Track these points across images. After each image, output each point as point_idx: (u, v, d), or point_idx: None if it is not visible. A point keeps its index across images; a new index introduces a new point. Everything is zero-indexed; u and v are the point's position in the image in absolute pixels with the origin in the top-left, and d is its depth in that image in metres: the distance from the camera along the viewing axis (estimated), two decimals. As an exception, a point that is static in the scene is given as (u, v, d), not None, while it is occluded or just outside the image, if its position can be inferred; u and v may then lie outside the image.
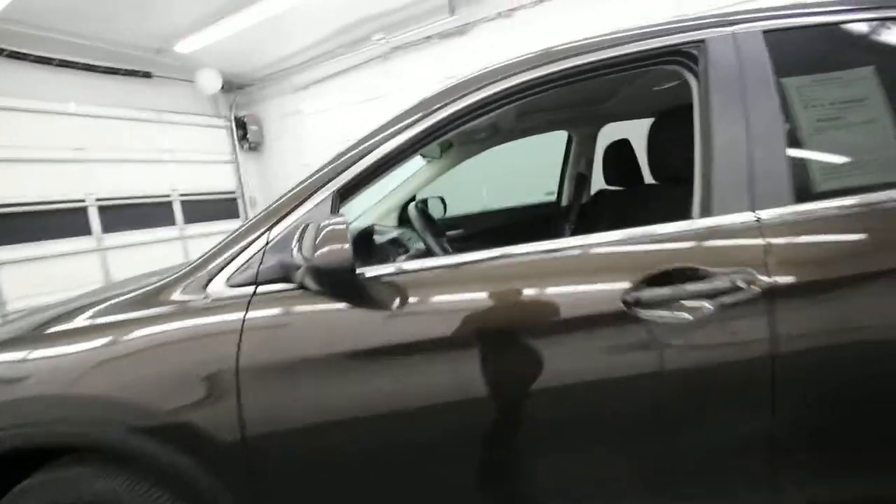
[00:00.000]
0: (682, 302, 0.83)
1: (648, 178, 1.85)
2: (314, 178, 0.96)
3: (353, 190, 0.97)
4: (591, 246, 0.89)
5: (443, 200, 2.48)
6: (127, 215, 4.49)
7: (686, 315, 0.82)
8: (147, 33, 4.16)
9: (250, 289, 0.90)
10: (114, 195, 4.39)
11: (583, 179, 2.27)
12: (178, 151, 4.99)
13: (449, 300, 0.88)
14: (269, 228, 0.93)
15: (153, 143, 4.78)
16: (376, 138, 0.97)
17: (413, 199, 2.33)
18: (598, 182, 2.26)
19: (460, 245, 2.33)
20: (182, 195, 4.98)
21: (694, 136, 0.96)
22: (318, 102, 5.31)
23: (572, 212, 2.27)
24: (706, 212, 0.88)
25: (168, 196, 4.88)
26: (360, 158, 0.95)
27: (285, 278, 0.90)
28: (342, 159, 0.96)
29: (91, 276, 4.13)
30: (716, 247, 0.86)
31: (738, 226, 0.86)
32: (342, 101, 5.11)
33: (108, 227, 4.31)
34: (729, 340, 0.83)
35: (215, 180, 5.38)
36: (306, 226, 0.86)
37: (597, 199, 2.20)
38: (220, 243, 0.96)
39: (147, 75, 4.92)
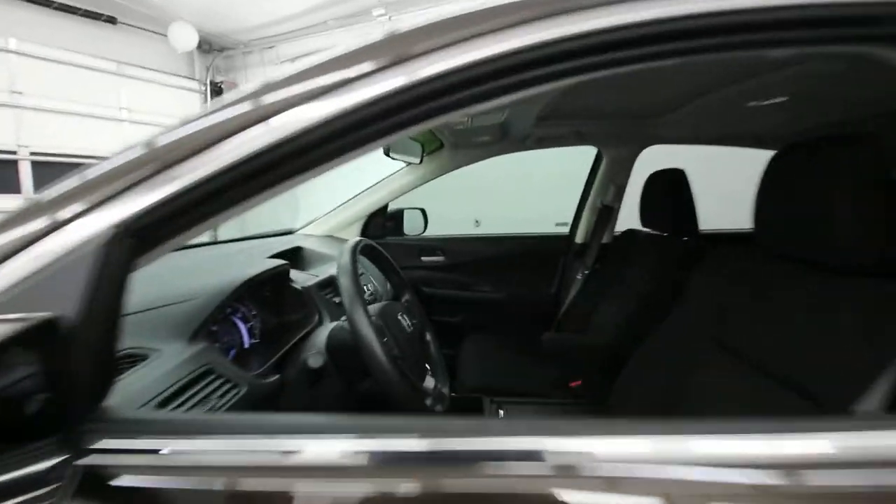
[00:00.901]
0: None
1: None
2: (77, 184, 0.40)
3: (176, 224, 0.40)
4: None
5: (424, 213, 1.94)
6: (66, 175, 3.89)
7: None
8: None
9: None
10: (52, 150, 3.77)
11: (608, 213, 1.75)
12: (137, 111, 4.39)
13: None
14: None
15: (109, 98, 4.17)
16: (267, 99, 0.42)
17: (385, 209, 1.78)
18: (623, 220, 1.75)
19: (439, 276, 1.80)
20: (136, 160, 4.36)
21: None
22: (307, 78, 4.72)
23: (589, 252, 1.75)
24: None
25: (119, 159, 4.26)
26: (211, 146, 0.40)
27: None
28: (167, 142, 0.41)
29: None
30: None
31: None
32: (333, 80, 4.52)
33: (41, 186, 3.72)
34: None
35: (179, 149, 4.75)
36: None
37: (622, 240, 1.68)
38: None
39: (111, 20, 4.30)
